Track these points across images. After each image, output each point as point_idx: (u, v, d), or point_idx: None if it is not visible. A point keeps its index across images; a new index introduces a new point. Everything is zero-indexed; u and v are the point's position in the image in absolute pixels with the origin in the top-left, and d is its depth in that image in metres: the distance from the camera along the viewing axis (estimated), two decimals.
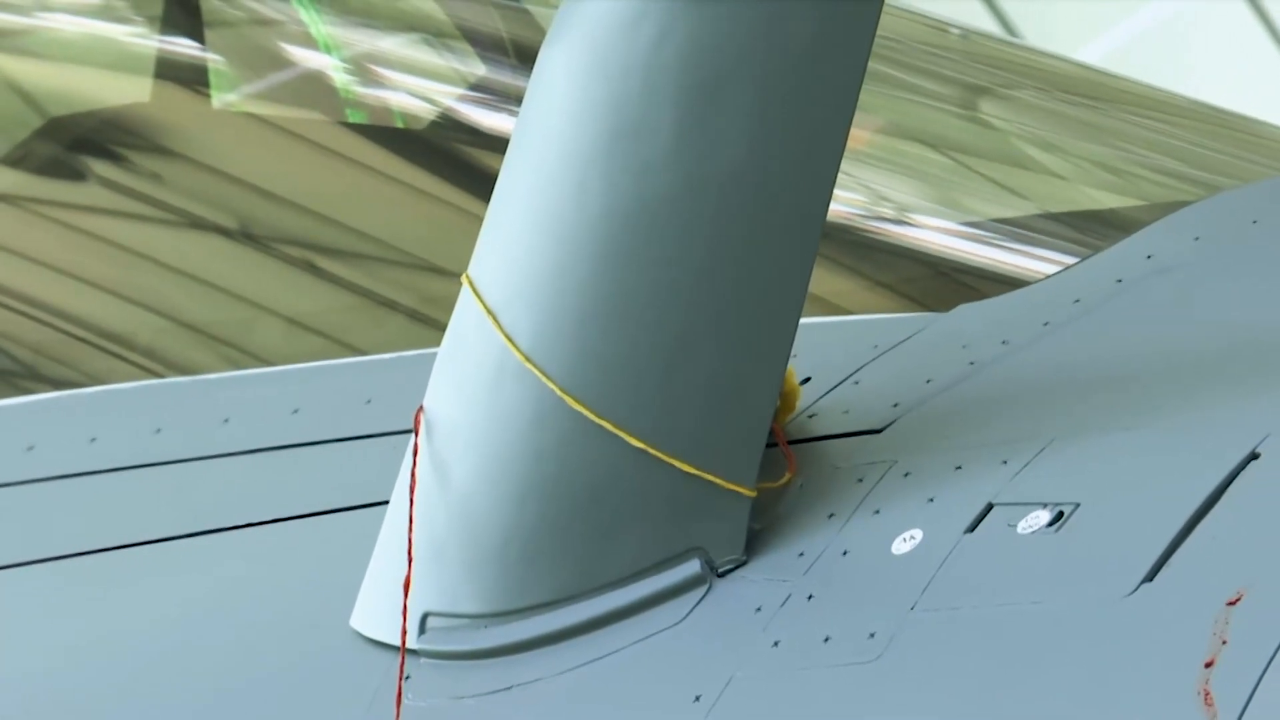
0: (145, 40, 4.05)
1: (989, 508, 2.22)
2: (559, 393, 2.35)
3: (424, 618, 2.46)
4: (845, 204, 3.12)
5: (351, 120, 4.02)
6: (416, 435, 2.47)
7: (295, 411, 3.08)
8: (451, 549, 2.49)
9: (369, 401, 2.97)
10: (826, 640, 2.21)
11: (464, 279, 2.41)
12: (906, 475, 2.40)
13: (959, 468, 2.37)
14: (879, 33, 2.40)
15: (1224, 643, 1.96)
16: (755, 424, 2.40)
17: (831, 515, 2.38)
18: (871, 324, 2.85)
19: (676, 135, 2.33)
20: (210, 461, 3.13)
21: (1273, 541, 2.04)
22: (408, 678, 2.43)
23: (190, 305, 3.76)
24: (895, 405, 2.54)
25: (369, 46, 4.15)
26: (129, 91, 4.15)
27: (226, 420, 3.17)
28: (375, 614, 2.56)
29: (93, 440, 3.33)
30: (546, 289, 2.40)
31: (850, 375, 2.60)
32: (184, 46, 4.17)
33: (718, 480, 2.34)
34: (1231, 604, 1.98)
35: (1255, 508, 2.09)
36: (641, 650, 2.38)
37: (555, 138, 2.41)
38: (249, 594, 2.86)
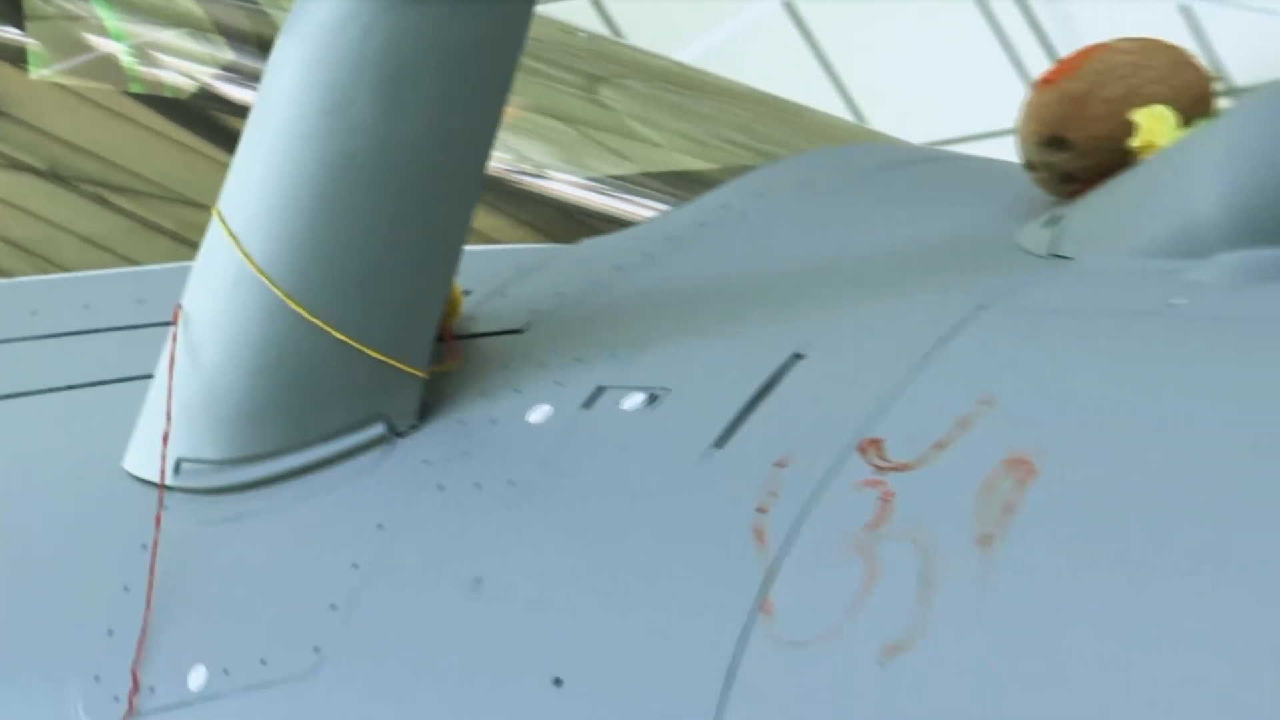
0: None
1: (600, 389, 2.73)
2: (281, 295, 2.79)
3: (178, 462, 2.90)
4: (500, 162, 3.40)
5: (133, 90, 4.51)
6: (175, 326, 2.93)
7: (86, 307, 3.53)
8: (198, 411, 2.94)
9: (141, 301, 3.34)
10: (477, 486, 2.71)
11: (215, 210, 2.90)
12: (541, 364, 2.87)
13: (580, 359, 2.86)
14: (530, 35, 2.99)
15: (772, 494, 2.43)
16: (428, 322, 2.88)
17: (483, 393, 2.88)
18: (516, 252, 3.34)
19: (375, 108, 2.79)
20: (20, 343, 3.60)
21: (811, 419, 2.55)
22: (166, 507, 2.85)
23: (10, 226, 4.09)
24: (533, 312, 3.04)
25: (148, 36, 4.68)
26: None
27: (34, 312, 3.52)
28: (142, 459, 2.97)
29: None
30: (276, 219, 2.85)
31: (500, 289, 3.09)
32: (9, 33, 4.38)
33: (399, 364, 2.81)
34: (779, 465, 2.47)
35: (799, 394, 2.60)
36: (339, 490, 2.86)
37: (286, 107, 2.88)
38: (50, 442, 3.35)
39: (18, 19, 4.54)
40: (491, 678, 2.57)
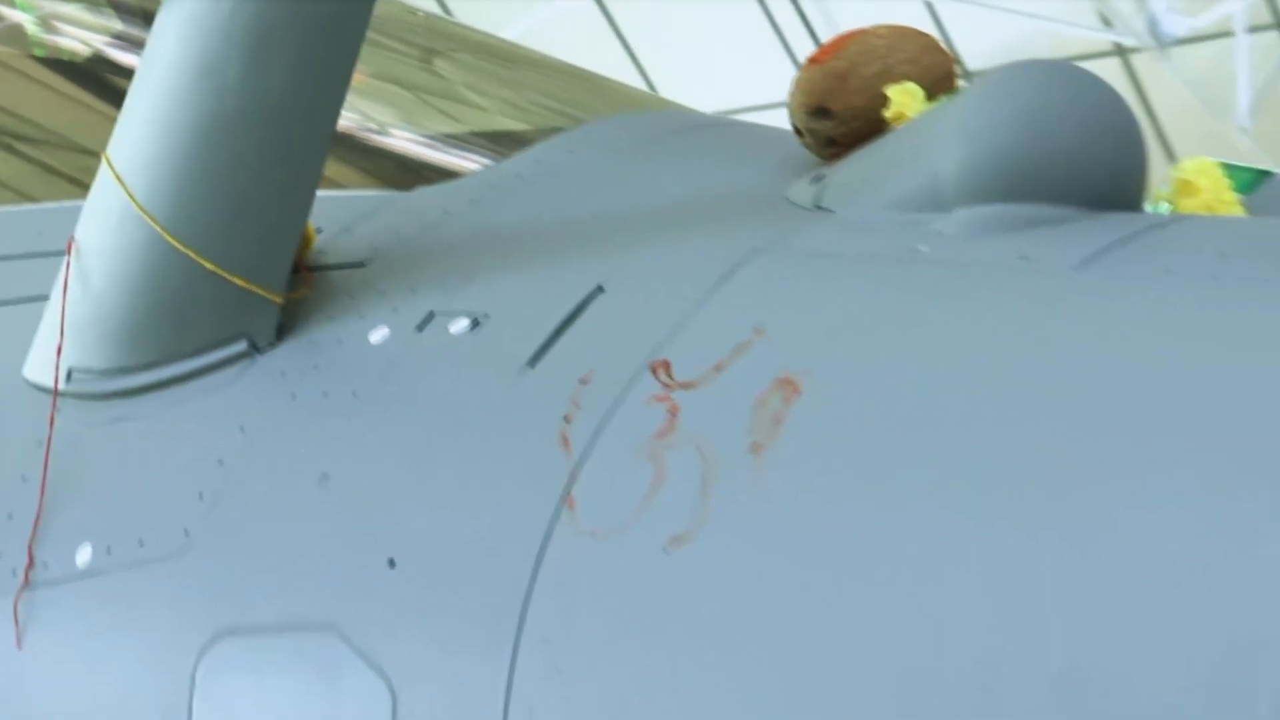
0: None
1: (431, 315, 2.75)
2: (159, 229, 2.79)
3: (70, 371, 2.89)
4: (348, 120, 3.25)
5: (36, 55, 4.44)
6: (68, 255, 2.92)
7: None
8: (87, 327, 2.93)
9: (40, 233, 3.32)
10: (325, 395, 2.76)
11: (104, 156, 2.89)
12: (380, 293, 2.88)
13: (413, 289, 2.88)
14: (375, 13, 3.01)
15: (576, 406, 2.49)
16: (285, 255, 2.87)
17: (331, 317, 2.89)
18: (361, 198, 3.30)
19: (241, 71, 2.78)
20: None
21: (610, 342, 2.58)
22: (59, 409, 2.86)
23: None
24: (374, 249, 3.05)
25: (50, 9, 4.53)
26: None
27: None
28: (39, 368, 2.97)
29: None
30: (156, 163, 2.83)
31: (346, 228, 3.08)
32: None
33: (260, 290, 2.81)
34: (582, 382, 2.51)
35: (600, 321, 2.63)
36: (208, 397, 2.86)
37: (166, 69, 2.87)
38: None
39: None
40: (336, 559, 2.57)
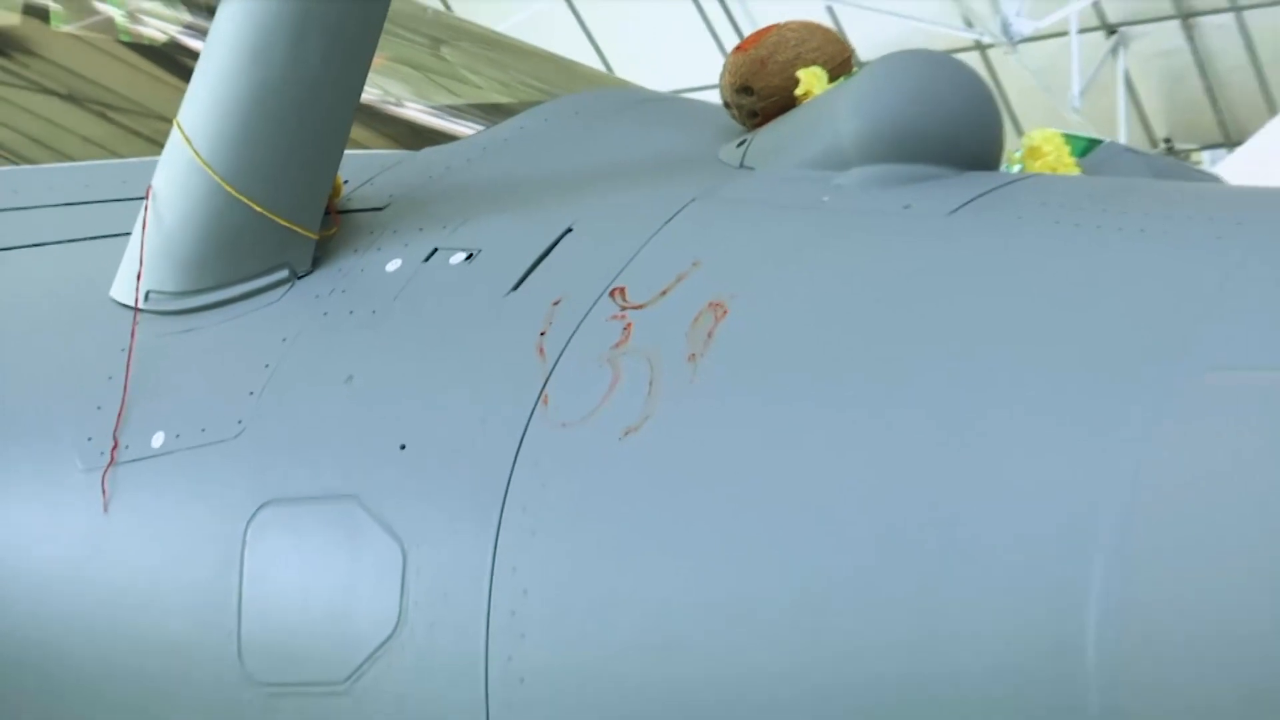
0: None
1: (435, 250, 2.77)
2: (217, 179, 2.76)
3: (147, 293, 2.87)
4: (369, 94, 3.13)
5: (123, 40, 4.30)
6: (147, 200, 2.89)
7: (86, 186, 3.39)
8: (161, 258, 2.89)
9: (124, 182, 3.21)
10: (351, 313, 2.75)
11: (175, 121, 2.86)
12: (394, 232, 2.89)
13: (421, 229, 2.88)
14: (392, 7, 3.01)
15: (550, 323, 2.53)
16: (319, 200, 2.86)
17: (355, 250, 2.88)
18: (380, 156, 3.26)
19: (285, 53, 2.73)
20: (40, 210, 3.37)
21: (578, 272, 2.60)
22: (138, 323, 2.84)
23: (35, 130, 3.98)
24: (390, 196, 3.02)
25: (134, 4, 4.39)
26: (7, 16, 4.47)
27: (51, 188, 3.41)
28: (123, 290, 2.92)
29: None
30: (217, 127, 2.79)
31: (368, 180, 3.05)
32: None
33: (299, 229, 2.80)
34: (555, 304, 2.55)
35: (569, 255, 2.65)
36: (257, 314, 2.83)
37: (225, 51, 2.82)
38: (62, 277, 3.19)
39: None
40: (358, 443, 2.58)
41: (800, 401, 2.32)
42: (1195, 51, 19.24)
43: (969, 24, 18.56)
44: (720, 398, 2.36)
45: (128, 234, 2.98)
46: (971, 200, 2.49)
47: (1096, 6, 18.95)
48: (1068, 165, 2.84)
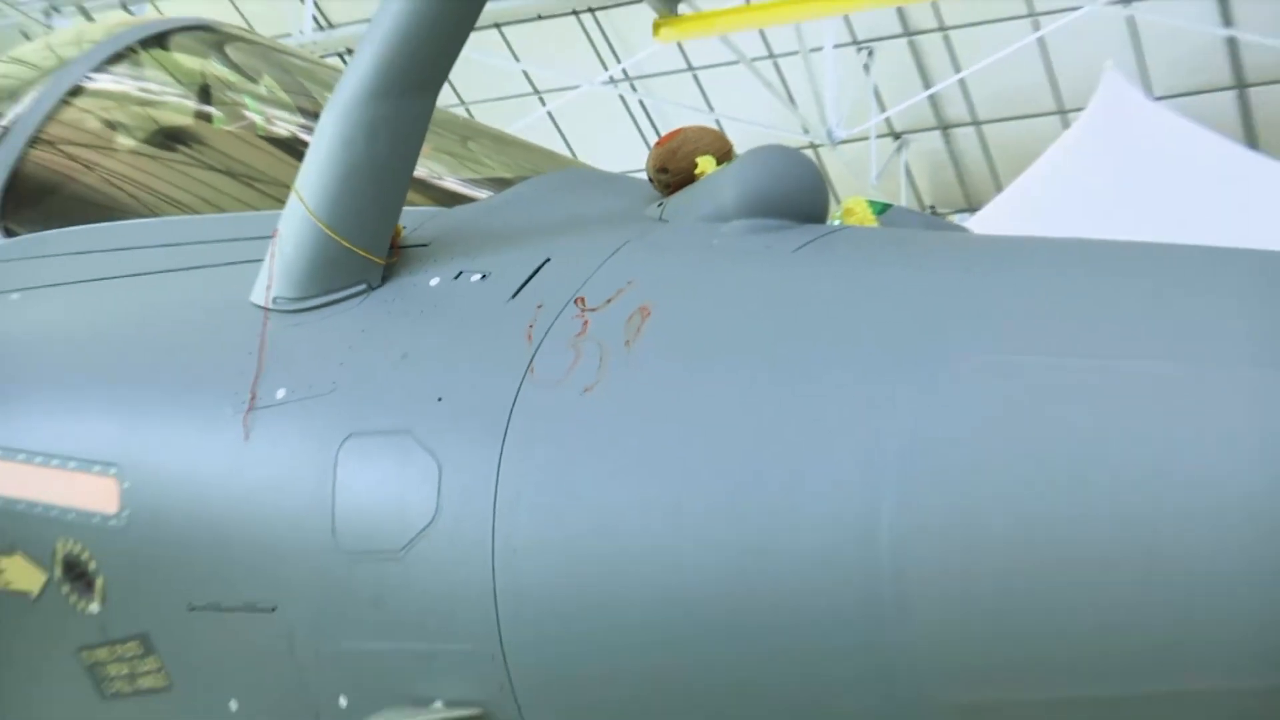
0: None
1: (461, 272, 2.86)
2: (324, 227, 2.87)
3: (275, 298, 2.94)
4: (419, 171, 3.17)
5: (259, 134, 4.34)
6: (274, 238, 2.94)
7: (239, 226, 3.43)
8: (281, 275, 2.95)
9: (260, 227, 3.14)
10: (405, 312, 2.86)
11: (293, 188, 2.91)
12: (434, 260, 2.95)
13: (452, 257, 2.93)
14: (434, 115, 3.00)
15: (535, 319, 2.61)
16: (386, 239, 2.92)
17: (409, 271, 2.96)
18: (425, 211, 3.23)
19: (364, 146, 2.81)
20: (214, 244, 3.44)
21: (553, 287, 2.68)
22: (269, 318, 2.92)
23: (206, 195, 4.15)
24: (432, 237, 3.06)
25: (269, 112, 4.39)
26: (186, 119, 4.35)
27: (218, 230, 3.52)
28: (259, 296, 2.97)
29: None
30: (319, 189, 2.88)
31: (419, 226, 3.08)
32: (204, 105, 4.34)
33: (373, 258, 2.90)
34: (539, 307, 2.63)
35: (548, 276, 2.72)
36: (345, 314, 2.90)
37: (323, 140, 2.90)
38: (224, 286, 3.20)
39: (207, 99, 4.39)
40: (410, 395, 2.67)
41: (699, 371, 2.43)
42: (950, 150, 20.26)
43: (805, 130, 18.66)
44: (646, 368, 2.46)
45: (261, 260, 3.03)
46: (809, 242, 2.58)
47: (888, 120, 19.38)
48: (870, 221, 2.94)
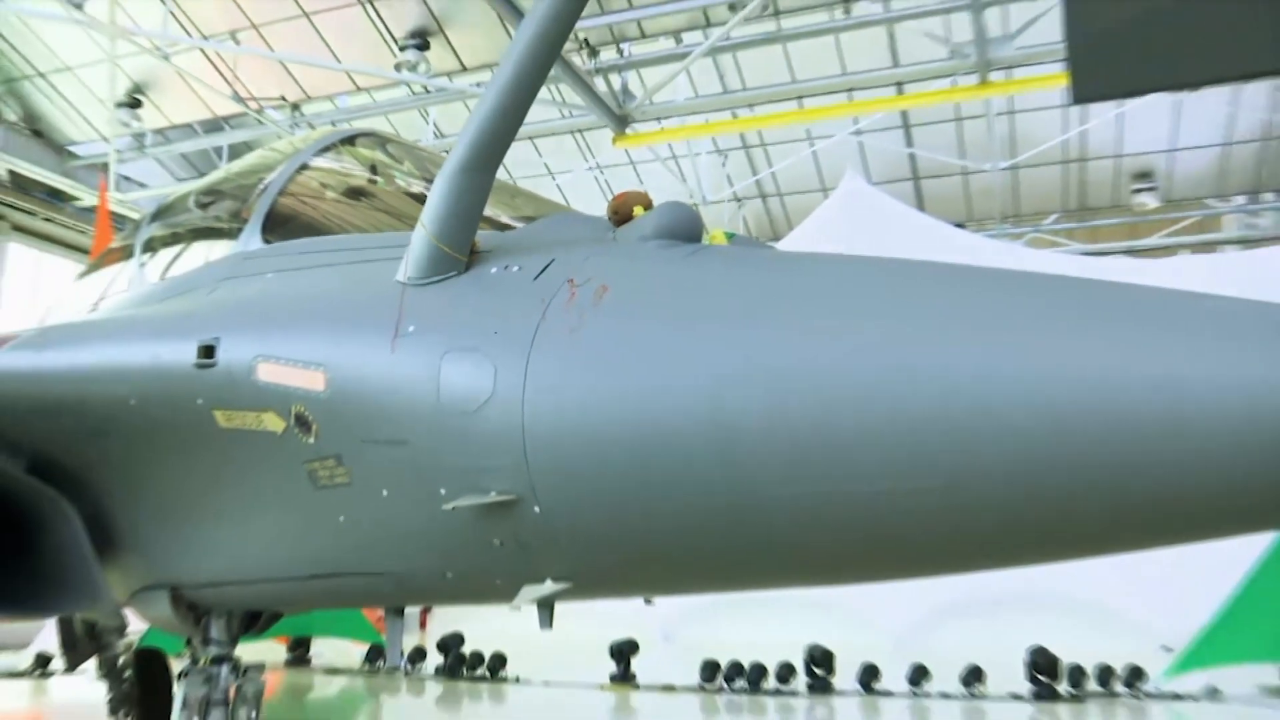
0: None
1: (507, 265, 2.96)
2: (434, 240, 3.03)
3: (408, 278, 3.11)
4: (488, 209, 3.15)
5: (402, 189, 4.48)
6: (410, 245, 3.10)
7: (386, 242, 3.48)
8: (412, 264, 3.12)
9: (401, 241, 3.29)
10: (478, 289, 2.91)
11: (420, 219, 3.06)
12: (492, 259, 3.03)
13: (499, 258, 2.98)
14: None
15: (546, 293, 2.74)
16: (467, 247, 3.04)
17: (479, 265, 3.00)
18: (486, 233, 3.18)
19: (455, 201, 2.95)
20: (367, 250, 3.51)
21: (556, 277, 2.74)
22: (405, 290, 3.08)
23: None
24: (491, 247, 3.09)
25: (407, 171, 4.52)
26: (359, 181, 4.44)
27: (367, 242, 3.58)
28: (401, 275, 3.12)
29: None
30: (434, 220, 3.03)
31: (483, 242, 3.10)
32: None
33: (460, 257, 3.04)
34: (547, 285, 2.75)
35: (554, 270, 2.81)
36: (446, 289, 2.99)
37: (434, 197, 3.03)
38: (381, 273, 3.20)
39: (375, 172, 4.63)
40: (478, 331, 2.78)
41: (635, 318, 2.55)
42: (766, 208, 23.40)
43: (690, 195, 20.64)
44: (605, 318, 2.58)
45: (401, 258, 3.15)
46: (693, 252, 2.73)
47: (734, 192, 21.69)
48: (724, 242, 3.04)
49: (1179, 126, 18.19)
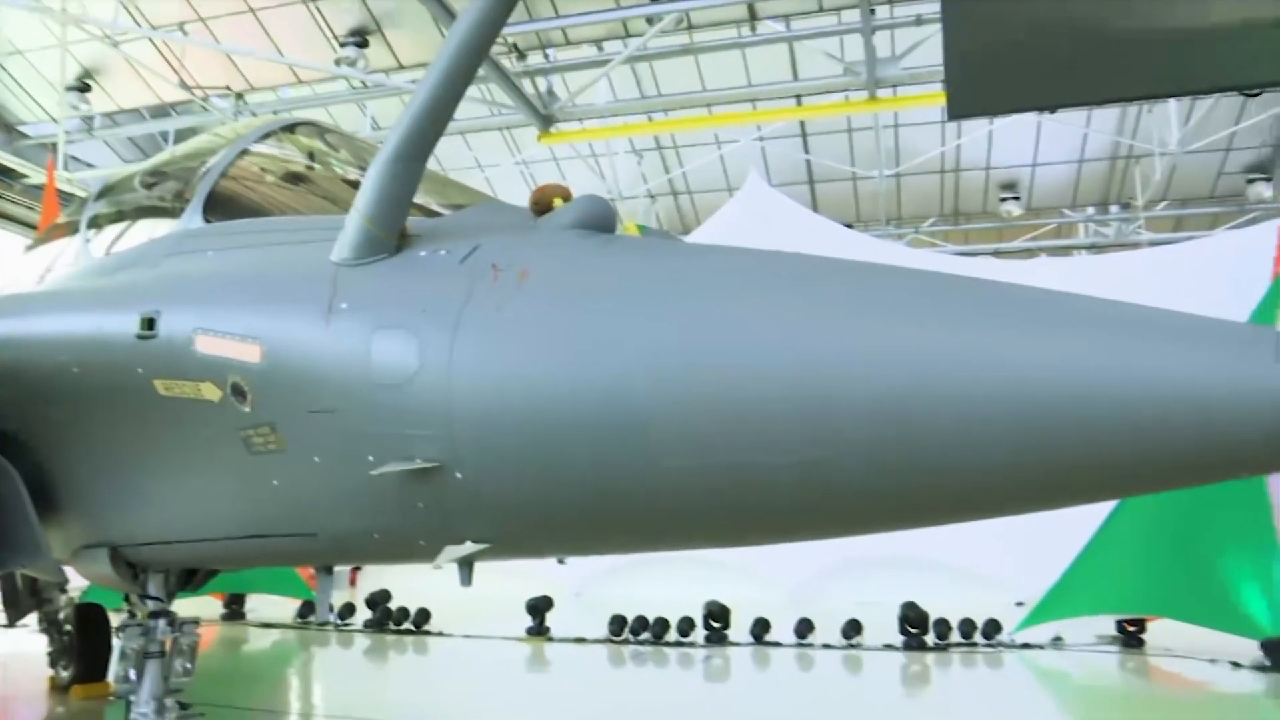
0: None
1: (436, 249, 2.84)
2: (366, 222, 2.91)
3: (341, 259, 3.01)
4: (419, 197, 3.07)
5: (340, 176, 4.33)
6: (344, 229, 3.01)
7: (326, 226, 3.27)
8: (345, 247, 2.98)
9: (335, 224, 3.18)
10: (404, 271, 2.84)
11: (354, 203, 2.93)
12: (420, 243, 2.95)
13: (430, 242, 2.90)
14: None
15: (474, 272, 2.65)
16: (397, 230, 2.96)
17: (410, 247, 2.94)
18: (416, 220, 3.09)
19: (389, 184, 2.82)
20: (318, 228, 3.32)
21: (482, 260, 2.65)
22: (339, 270, 2.97)
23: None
24: (420, 231, 3.00)
25: (345, 159, 4.29)
26: (297, 167, 4.21)
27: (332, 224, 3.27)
28: (334, 256, 3.07)
29: None
30: (367, 204, 2.98)
31: (412, 227, 3.00)
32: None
33: (391, 240, 2.96)
34: (474, 265, 2.69)
35: (482, 253, 2.71)
36: (373, 268, 2.89)
37: (368, 181, 2.94)
38: (318, 252, 3.11)
39: (313, 159, 4.44)
40: (405, 309, 2.76)
41: (552, 299, 2.52)
42: (676, 204, 23.03)
43: (608, 191, 20.21)
44: (526, 298, 2.55)
45: (335, 239, 3.05)
46: (609, 241, 2.70)
47: (648, 189, 21.33)
48: (636, 233, 2.97)
49: (1040, 144, 19.05)
